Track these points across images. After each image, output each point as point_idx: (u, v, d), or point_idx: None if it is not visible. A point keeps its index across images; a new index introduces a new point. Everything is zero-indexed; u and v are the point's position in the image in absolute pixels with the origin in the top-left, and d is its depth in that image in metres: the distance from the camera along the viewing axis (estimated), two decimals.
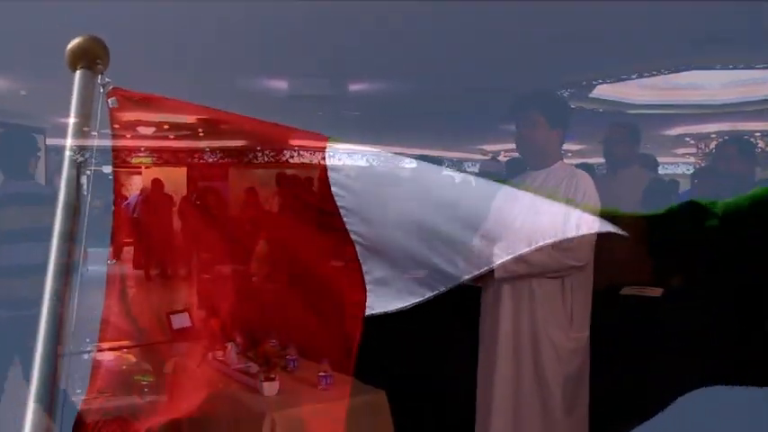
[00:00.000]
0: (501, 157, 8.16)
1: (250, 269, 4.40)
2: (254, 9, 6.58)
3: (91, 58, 1.83)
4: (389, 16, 6.79)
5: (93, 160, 2.15)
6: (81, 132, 1.87)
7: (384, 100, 11.52)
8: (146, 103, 2.27)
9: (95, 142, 1.96)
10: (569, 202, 3.56)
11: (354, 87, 10.47)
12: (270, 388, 4.08)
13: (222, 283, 4.26)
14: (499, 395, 3.65)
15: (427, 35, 7.48)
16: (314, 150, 2.72)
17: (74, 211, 1.77)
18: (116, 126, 2.22)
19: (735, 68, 8.72)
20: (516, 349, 3.63)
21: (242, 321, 5.41)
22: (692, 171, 14.30)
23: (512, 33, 7.47)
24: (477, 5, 6.53)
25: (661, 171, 10.15)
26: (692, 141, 16.39)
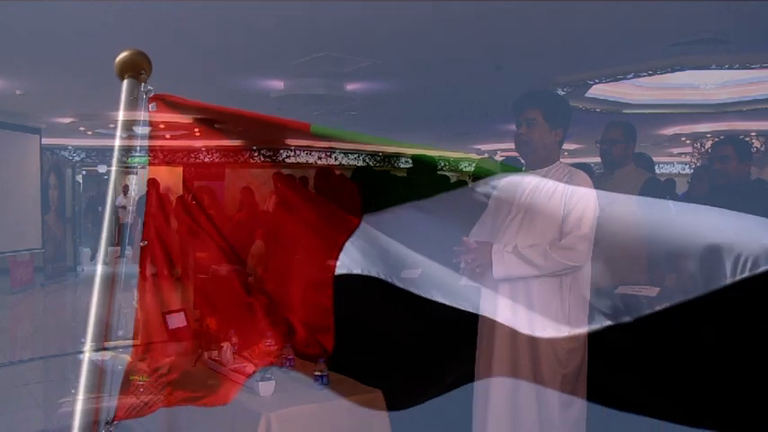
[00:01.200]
0: (497, 157, 8.16)
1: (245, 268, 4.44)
2: (250, 8, 6.57)
3: (136, 68, 2.16)
4: (387, 15, 6.79)
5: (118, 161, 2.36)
6: (128, 132, 2.17)
7: (380, 100, 11.51)
8: (182, 105, 2.61)
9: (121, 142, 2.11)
10: (567, 201, 3.57)
11: (351, 87, 10.46)
12: (266, 388, 4.10)
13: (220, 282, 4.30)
14: (496, 394, 3.66)
15: (424, 34, 7.48)
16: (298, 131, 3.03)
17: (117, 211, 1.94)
18: (155, 127, 2.52)
19: (730, 68, 8.72)
20: (513, 348, 3.63)
21: (238, 320, 5.42)
22: (686, 170, 14.36)
23: (508, 32, 7.47)
24: (474, 5, 6.54)
25: (657, 170, 10.16)
26: (688, 141, 16.39)
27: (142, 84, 2.18)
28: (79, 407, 1.73)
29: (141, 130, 2.24)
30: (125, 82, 2.18)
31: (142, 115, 2.20)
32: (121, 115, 2.16)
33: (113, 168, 2.02)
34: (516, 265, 3.51)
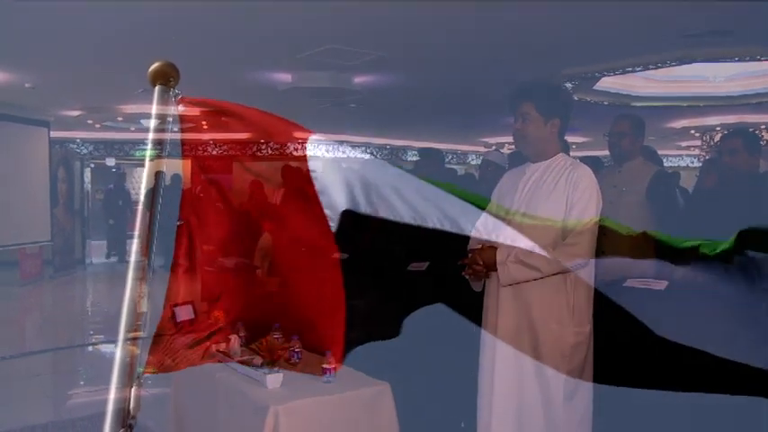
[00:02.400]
0: (504, 150, 8.14)
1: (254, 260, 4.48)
2: (257, 1, 6.58)
3: (166, 77, 2.48)
4: (392, 7, 6.78)
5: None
6: (160, 132, 2.42)
7: (387, 93, 11.50)
8: (207, 105, 2.86)
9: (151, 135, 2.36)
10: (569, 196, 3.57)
11: (358, 80, 10.46)
12: (273, 380, 4.11)
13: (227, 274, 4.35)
14: (500, 390, 3.67)
15: (429, 26, 7.46)
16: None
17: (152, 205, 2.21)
18: (184, 127, 2.84)
19: (739, 60, 8.68)
20: (518, 344, 3.63)
21: (245, 313, 5.44)
22: (695, 164, 14.32)
23: (516, 25, 7.45)
24: None
25: (665, 163, 10.14)
26: (697, 134, 16.33)
27: (171, 90, 2.50)
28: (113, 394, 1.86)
29: (170, 127, 2.53)
30: (156, 88, 2.44)
31: (171, 115, 2.48)
32: (153, 116, 2.34)
33: (146, 162, 2.38)
34: (521, 273, 3.52)
